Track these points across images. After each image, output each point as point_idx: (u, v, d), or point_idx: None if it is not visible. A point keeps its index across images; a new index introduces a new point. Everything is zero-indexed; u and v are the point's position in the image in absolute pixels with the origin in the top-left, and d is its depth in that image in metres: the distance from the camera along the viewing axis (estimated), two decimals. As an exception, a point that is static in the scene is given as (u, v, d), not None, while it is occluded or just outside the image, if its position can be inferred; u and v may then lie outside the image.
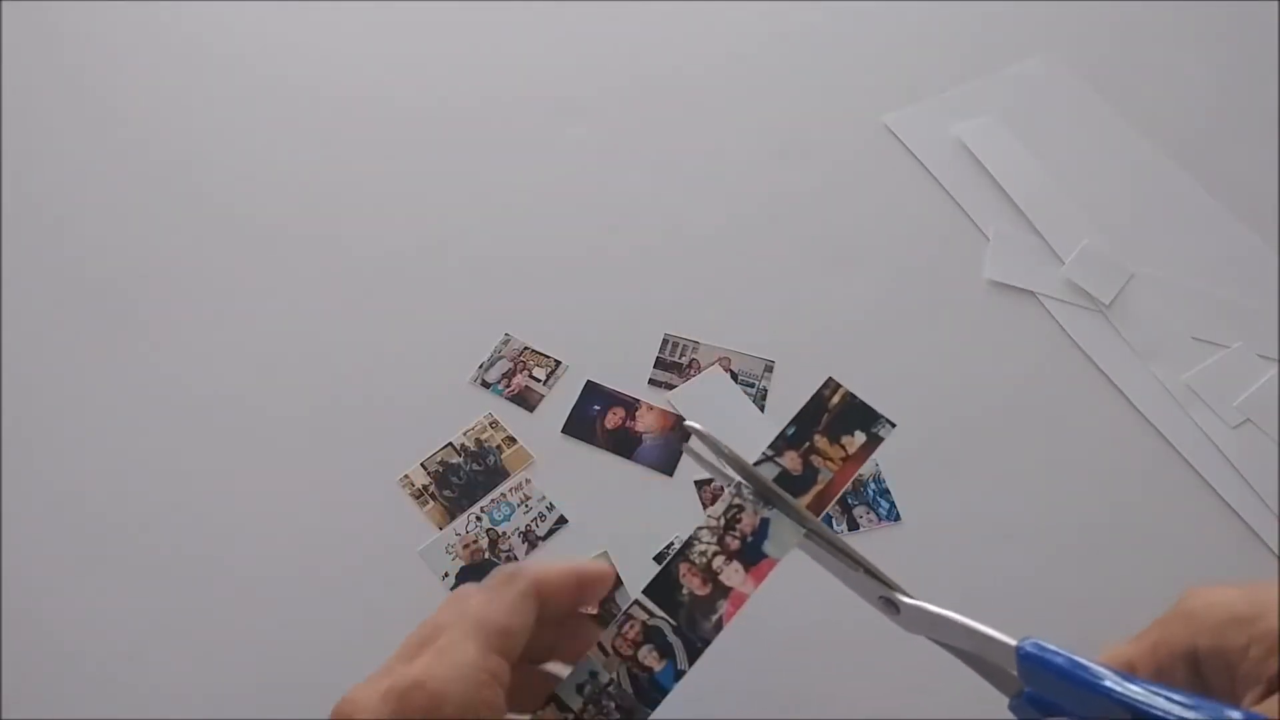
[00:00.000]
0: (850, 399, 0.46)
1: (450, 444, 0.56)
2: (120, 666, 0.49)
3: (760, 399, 0.58)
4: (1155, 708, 0.26)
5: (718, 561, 0.38)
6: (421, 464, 0.55)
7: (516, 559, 0.52)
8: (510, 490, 0.54)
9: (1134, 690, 0.27)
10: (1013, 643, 0.31)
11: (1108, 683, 0.28)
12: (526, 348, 0.59)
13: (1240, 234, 0.67)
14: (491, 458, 0.55)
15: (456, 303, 0.61)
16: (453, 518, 0.53)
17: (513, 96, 0.72)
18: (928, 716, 0.47)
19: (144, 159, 0.68)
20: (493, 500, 0.54)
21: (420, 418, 0.57)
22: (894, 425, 0.48)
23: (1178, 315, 0.63)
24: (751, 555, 0.38)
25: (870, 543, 0.53)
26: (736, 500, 0.39)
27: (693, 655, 0.37)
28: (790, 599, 0.50)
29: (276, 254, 0.63)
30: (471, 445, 0.56)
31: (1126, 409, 0.59)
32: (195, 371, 0.58)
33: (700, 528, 0.39)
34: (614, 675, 0.36)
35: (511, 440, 0.56)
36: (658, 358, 0.59)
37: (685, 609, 0.37)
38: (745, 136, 0.70)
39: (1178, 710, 0.26)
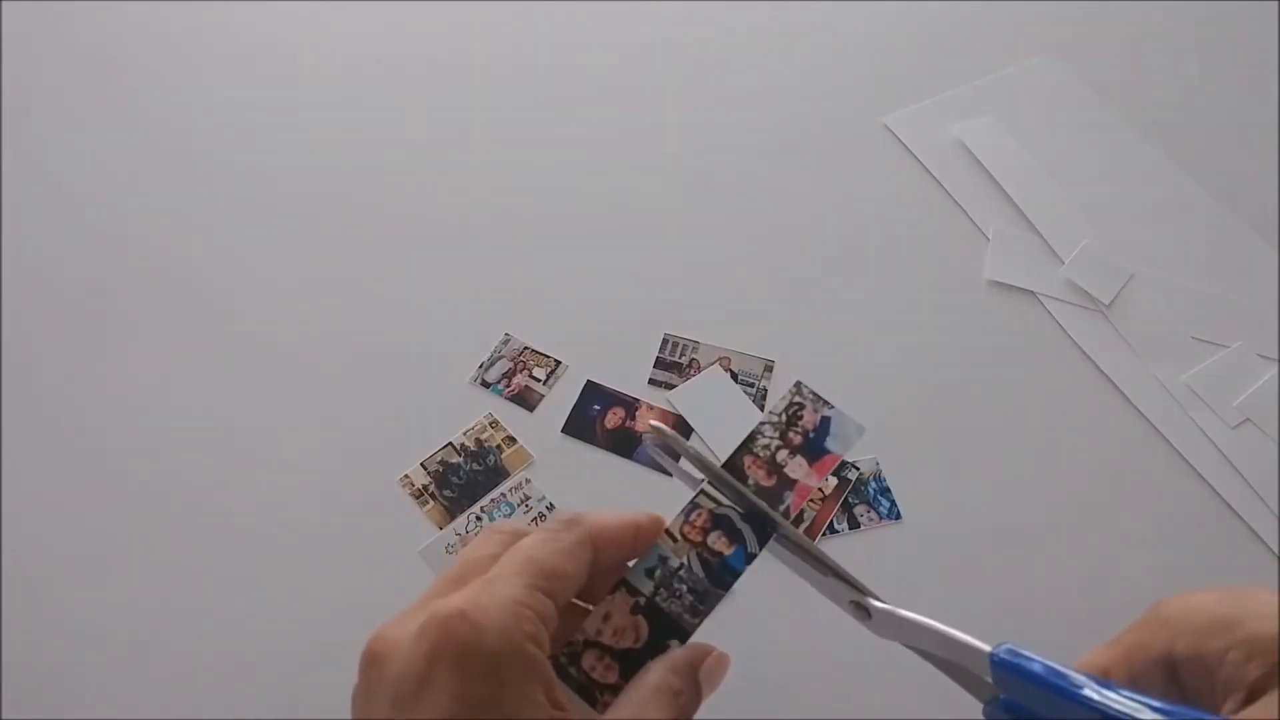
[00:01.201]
0: None
1: (450, 444, 0.56)
2: (120, 668, 0.49)
3: (760, 399, 0.58)
4: (1136, 718, 0.25)
5: (781, 455, 0.39)
6: (421, 464, 0.55)
7: (516, 559, 0.52)
8: (510, 490, 0.54)
9: (1113, 698, 0.26)
10: (986, 649, 0.30)
11: (1086, 691, 0.27)
12: (526, 348, 0.59)
13: (1240, 234, 0.67)
14: (491, 457, 0.55)
15: (456, 303, 0.62)
16: (453, 517, 0.53)
17: (511, 96, 0.72)
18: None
19: (136, 166, 0.68)
20: (493, 500, 0.54)
21: (420, 417, 0.57)
22: (859, 468, 0.52)
23: (1178, 315, 0.63)
24: (814, 451, 0.40)
25: (870, 541, 0.53)
26: (797, 398, 0.40)
27: (763, 540, 0.37)
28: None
29: (276, 255, 0.63)
30: (471, 445, 0.56)
31: (1126, 409, 0.59)
32: (195, 373, 0.58)
33: (762, 422, 0.40)
34: (684, 560, 0.36)
35: (511, 440, 0.56)
36: (658, 358, 0.59)
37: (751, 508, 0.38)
38: (745, 136, 0.70)
39: None
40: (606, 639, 0.35)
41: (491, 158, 0.69)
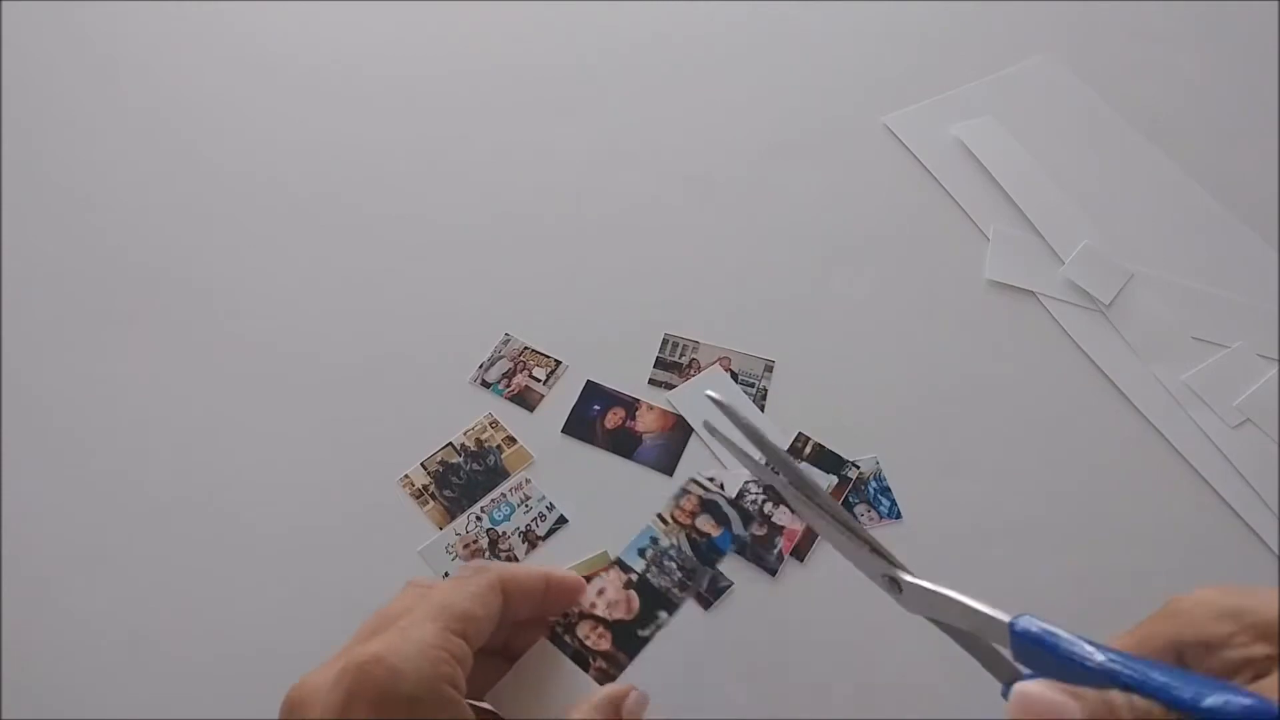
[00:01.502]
0: (820, 448, 0.54)
1: (450, 444, 0.56)
2: (120, 668, 0.49)
3: (760, 399, 0.58)
4: (1150, 681, 0.26)
5: (768, 507, 0.45)
6: (421, 464, 0.55)
7: (517, 559, 0.52)
8: (510, 490, 0.54)
9: (1128, 667, 0.27)
10: (1006, 619, 0.31)
11: (1100, 657, 0.28)
12: (526, 348, 0.59)
13: (1240, 234, 0.67)
14: (491, 457, 0.55)
15: (456, 303, 0.62)
16: (453, 517, 0.53)
17: (510, 96, 0.72)
18: (924, 714, 0.47)
19: (137, 167, 0.68)
20: (493, 500, 0.54)
21: (420, 418, 0.57)
22: (859, 467, 0.54)
23: (1178, 315, 0.63)
24: None
25: (870, 542, 0.53)
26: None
27: (747, 522, 0.41)
28: (787, 596, 0.50)
29: (277, 255, 0.63)
30: (471, 445, 0.56)
31: (1126, 409, 0.59)
32: (195, 373, 0.58)
33: (747, 481, 0.45)
34: (674, 540, 0.39)
35: (511, 440, 0.56)
36: (658, 358, 0.59)
37: (745, 537, 0.42)
38: (745, 136, 0.71)
39: (1172, 684, 0.26)
40: (600, 610, 0.38)
41: (491, 158, 0.69)
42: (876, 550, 0.37)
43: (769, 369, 0.59)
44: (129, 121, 0.70)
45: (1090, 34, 0.77)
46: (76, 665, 0.49)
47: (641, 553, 0.39)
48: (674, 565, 0.38)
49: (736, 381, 0.58)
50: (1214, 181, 0.69)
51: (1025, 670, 0.31)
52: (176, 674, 0.49)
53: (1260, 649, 0.27)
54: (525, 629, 0.38)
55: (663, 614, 0.37)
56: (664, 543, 0.39)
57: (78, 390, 0.58)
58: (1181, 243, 0.66)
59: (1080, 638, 0.29)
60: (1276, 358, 0.61)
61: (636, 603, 0.38)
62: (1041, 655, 0.30)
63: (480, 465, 0.55)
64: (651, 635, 0.37)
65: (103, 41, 0.75)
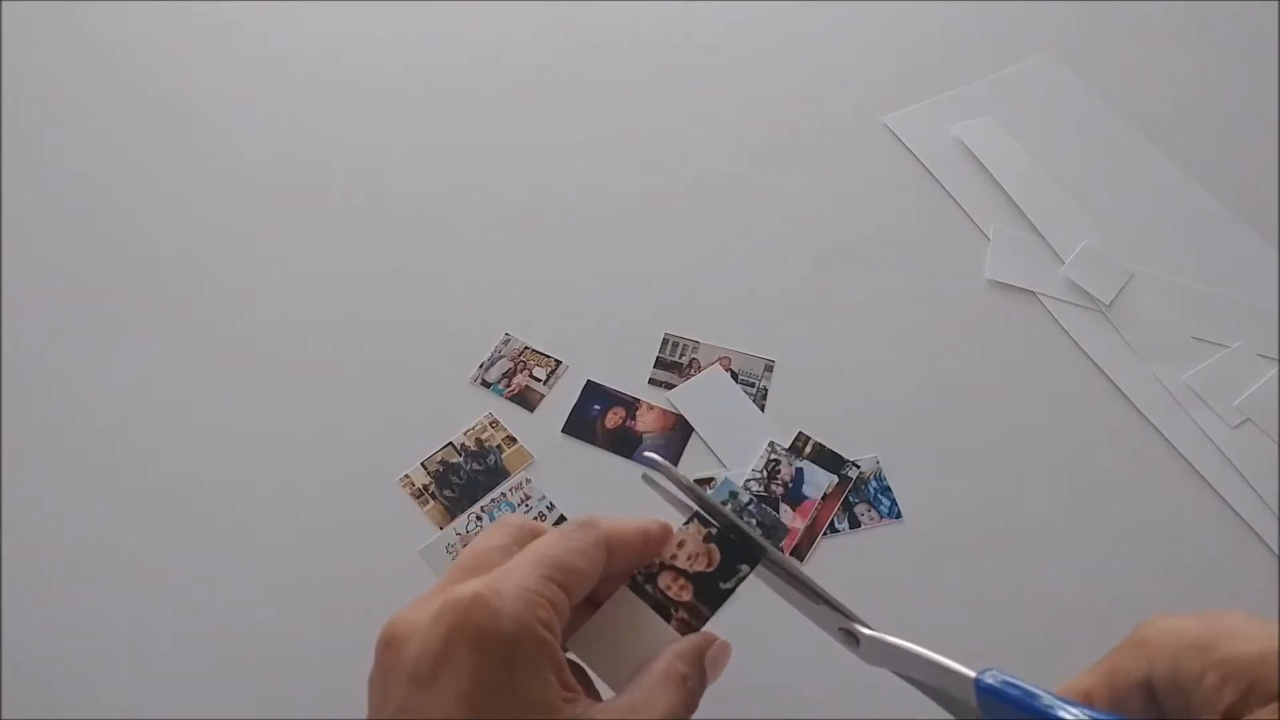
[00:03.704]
0: (820, 448, 0.54)
1: (451, 443, 0.56)
2: (120, 667, 0.49)
3: (760, 399, 0.58)
4: None
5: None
6: (422, 464, 0.55)
7: (517, 559, 0.52)
8: (510, 490, 0.54)
9: None
10: (971, 674, 0.30)
11: (1064, 715, 0.27)
12: (526, 348, 0.59)
13: (1240, 234, 0.67)
14: (492, 457, 0.55)
15: (456, 303, 0.62)
16: (453, 517, 0.53)
17: (512, 96, 0.72)
18: None
19: (140, 168, 0.68)
20: (493, 500, 0.54)
21: (421, 417, 0.57)
22: (859, 467, 0.54)
23: (1178, 315, 0.63)
24: (795, 498, 0.46)
25: (871, 540, 0.53)
26: (773, 455, 0.46)
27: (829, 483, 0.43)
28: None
29: (278, 255, 0.64)
30: (472, 445, 0.56)
31: (1126, 409, 0.59)
32: (196, 373, 0.58)
33: (747, 480, 0.45)
34: (753, 496, 0.41)
35: (512, 440, 0.56)
36: (658, 357, 0.59)
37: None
38: (745, 136, 0.71)
39: None
40: (680, 563, 0.37)
41: (492, 158, 0.69)
42: (830, 603, 0.36)
43: (769, 369, 0.59)
44: (130, 122, 0.70)
45: (1090, 34, 0.77)
46: (77, 664, 0.49)
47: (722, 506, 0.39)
48: (754, 521, 0.39)
49: (737, 381, 0.58)
50: (1214, 181, 0.69)
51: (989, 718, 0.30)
52: (177, 673, 0.49)
53: (1229, 693, 0.26)
54: (613, 580, 0.38)
55: (744, 567, 0.37)
56: (743, 498, 0.39)
57: (81, 388, 0.58)
58: (1181, 243, 0.66)
59: (1046, 691, 0.28)
60: (1276, 358, 0.61)
61: (717, 555, 0.37)
62: (1010, 712, 0.29)
63: (480, 465, 0.55)
64: (734, 588, 0.37)
65: (103, 41, 0.75)
